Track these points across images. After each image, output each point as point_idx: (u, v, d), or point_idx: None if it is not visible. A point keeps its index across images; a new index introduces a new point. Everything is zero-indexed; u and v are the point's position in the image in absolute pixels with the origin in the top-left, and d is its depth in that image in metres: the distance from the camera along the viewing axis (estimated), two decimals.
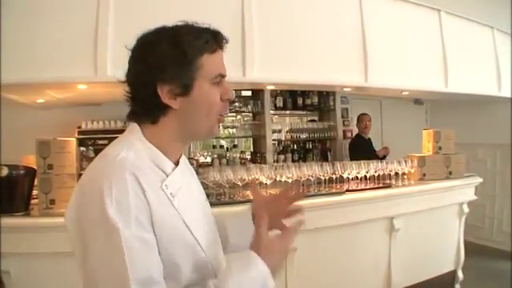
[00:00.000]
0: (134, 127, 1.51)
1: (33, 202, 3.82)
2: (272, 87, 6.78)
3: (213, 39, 1.49)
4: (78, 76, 4.03)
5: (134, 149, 1.43)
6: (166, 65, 1.43)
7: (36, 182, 3.74)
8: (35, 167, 3.72)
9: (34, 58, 3.96)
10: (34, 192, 3.82)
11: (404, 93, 6.69)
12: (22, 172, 3.74)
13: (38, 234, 3.44)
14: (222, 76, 1.52)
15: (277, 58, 4.78)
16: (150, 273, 1.30)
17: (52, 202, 3.66)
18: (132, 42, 1.51)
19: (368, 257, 4.87)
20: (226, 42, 1.56)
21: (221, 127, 7.89)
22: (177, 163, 1.56)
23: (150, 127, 1.50)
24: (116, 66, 3.85)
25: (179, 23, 1.51)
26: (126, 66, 1.51)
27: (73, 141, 3.93)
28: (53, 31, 4.03)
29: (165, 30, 1.50)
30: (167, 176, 1.47)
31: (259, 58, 4.64)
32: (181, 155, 1.60)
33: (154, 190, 1.39)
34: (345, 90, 6.45)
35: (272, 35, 4.77)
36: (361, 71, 5.33)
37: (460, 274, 5.75)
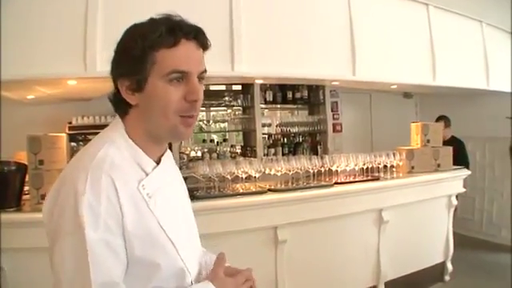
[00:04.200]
0: (117, 122, 1.52)
1: (24, 197, 3.81)
2: (261, 81, 6.81)
3: (169, 33, 1.40)
4: (67, 72, 4.04)
5: (116, 145, 1.44)
6: (123, 60, 1.44)
7: (27, 178, 3.74)
8: (26, 163, 3.72)
9: (23, 55, 3.96)
10: (26, 188, 3.82)
11: (392, 86, 6.74)
12: (13, 168, 3.73)
13: (30, 229, 3.34)
14: (181, 72, 1.42)
15: (265, 52, 4.80)
16: (111, 276, 1.32)
17: (43, 197, 3.55)
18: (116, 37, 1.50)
19: (357, 249, 4.91)
20: (195, 34, 1.47)
21: (211, 121, 7.93)
22: (158, 162, 1.55)
23: (125, 121, 1.51)
24: (105, 61, 3.72)
25: (154, 16, 1.47)
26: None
27: (63, 136, 3.93)
28: (42, 27, 4.04)
29: (131, 25, 1.48)
30: (147, 175, 1.48)
31: (248, 51, 4.66)
32: (163, 154, 1.60)
33: (131, 191, 1.40)
34: (333, 83, 6.48)
35: (260, 29, 4.79)
36: (349, 65, 5.36)
37: (449, 266, 5.80)
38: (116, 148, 1.43)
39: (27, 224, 3.43)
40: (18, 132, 4.36)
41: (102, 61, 3.96)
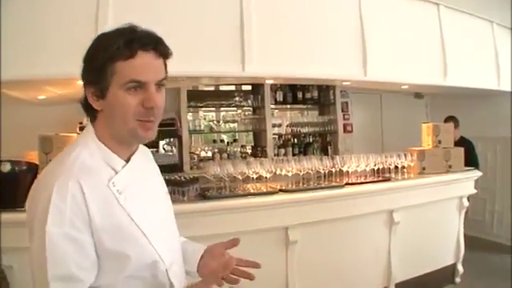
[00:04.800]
0: (89, 127, 1.65)
1: None
2: (271, 81, 6.79)
3: (126, 45, 1.50)
4: (76, 72, 3.99)
5: (88, 148, 1.57)
6: (88, 69, 1.55)
7: None
8: (37, 163, 3.72)
9: (33, 55, 3.98)
10: None
11: (403, 86, 6.70)
12: (24, 167, 3.71)
13: None
14: (137, 82, 1.52)
15: (276, 52, 4.78)
16: (70, 270, 1.42)
17: None
18: None
19: (368, 250, 4.89)
20: (154, 45, 1.56)
21: (221, 121, 7.94)
22: (128, 160, 1.66)
23: (95, 126, 1.63)
24: None
25: (118, 27, 1.57)
26: None
27: (74, 136, 3.91)
28: (52, 27, 4.06)
29: (97, 35, 1.58)
30: (116, 173, 1.59)
31: (258, 52, 4.64)
32: (133, 153, 1.70)
33: (101, 189, 1.51)
34: (344, 84, 6.44)
35: (271, 29, 4.78)
36: (360, 65, 5.33)
37: (460, 268, 5.76)
38: (88, 150, 1.56)
39: None
40: (29, 132, 4.37)
41: None
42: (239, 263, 1.85)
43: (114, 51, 1.49)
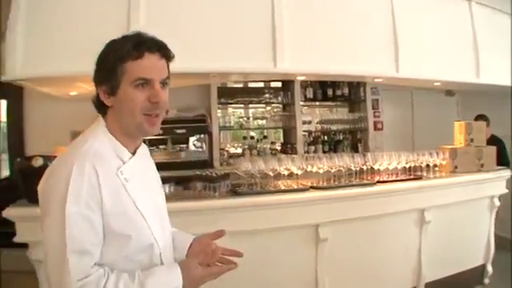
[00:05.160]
0: (100, 121, 1.84)
1: None
2: (302, 78, 6.75)
3: (134, 48, 1.73)
4: None
5: (99, 139, 1.77)
6: (100, 70, 1.79)
7: None
8: None
9: (62, 53, 4.12)
10: None
11: (435, 83, 6.58)
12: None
13: None
14: (144, 79, 1.75)
15: (308, 49, 4.80)
16: (85, 245, 1.62)
17: None
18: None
19: (398, 249, 4.85)
20: (157, 48, 1.80)
21: (251, 118, 7.95)
22: (134, 153, 1.88)
23: (106, 119, 1.84)
24: None
25: (125, 34, 1.81)
26: None
27: None
28: (84, 25, 4.18)
29: (108, 41, 1.82)
30: (124, 164, 1.80)
31: (290, 49, 4.68)
32: (137, 147, 1.92)
33: (111, 176, 1.73)
34: (376, 80, 6.41)
35: (302, 26, 4.81)
36: (392, 61, 5.32)
37: (489, 268, 5.68)
38: (99, 141, 1.76)
39: None
40: (61, 128, 4.44)
41: None
42: (224, 252, 2.00)
43: (124, 53, 1.73)
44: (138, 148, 1.91)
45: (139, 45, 1.75)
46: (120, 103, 1.76)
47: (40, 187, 1.71)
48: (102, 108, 1.83)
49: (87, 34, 4.09)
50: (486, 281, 5.68)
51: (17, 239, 3.58)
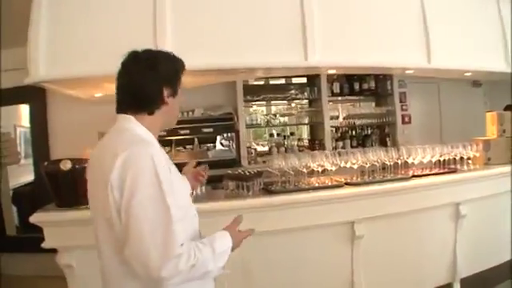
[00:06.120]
0: (130, 118, 2.09)
1: None
2: (333, 71, 6.61)
3: (184, 66, 2.22)
4: None
5: (145, 132, 2.08)
6: (171, 75, 2.15)
7: None
8: None
9: (88, 53, 4.15)
10: None
11: (466, 74, 6.48)
12: (85, 165, 3.65)
13: None
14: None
15: (338, 42, 4.77)
16: (176, 215, 1.88)
17: None
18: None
19: (433, 244, 4.75)
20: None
21: (277, 115, 7.91)
22: None
23: (146, 117, 2.11)
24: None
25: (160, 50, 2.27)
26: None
27: None
28: (108, 25, 4.20)
29: (162, 51, 2.22)
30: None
31: (320, 41, 4.63)
32: None
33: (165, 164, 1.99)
34: (407, 72, 6.28)
35: (332, 18, 4.76)
36: (423, 52, 5.23)
37: None
38: (146, 133, 2.08)
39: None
40: (88, 130, 4.41)
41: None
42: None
43: (181, 66, 2.21)
44: None
45: (183, 63, 2.23)
46: (175, 103, 2.18)
47: (116, 176, 1.85)
48: (151, 107, 2.11)
49: (112, 35, 4.14)
50: None
51: (45, 245, 3.57)
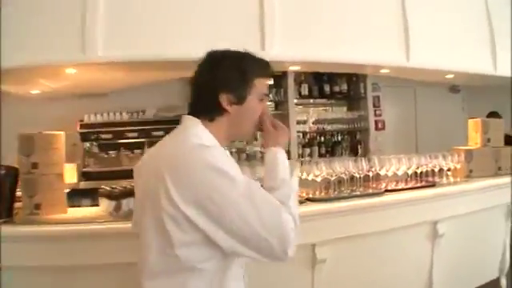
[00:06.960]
0: (196, 121, 1.95)
1: (18, 205, 3.42)
2: (297, 68, 6.26)
3: (265, 68, 2.04)
4: (63, 58, 3.80)
5: (205, 138, 1.91)
6: (230, 79, 1.94)
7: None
8: (17, 166, 3.36)
9: (19, 43, 3.80)
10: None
11: (448, 76, 6.21)
12: (2, 172, 3.34)
13: (22, 244, 3.06)
14: (266, 95, 2.09)
15: (302, 32, 4.49)
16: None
17: (37, 206, 3.29)
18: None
19: (408, 267, 4.34)
20: (274, 73, 2.16)
21: None
22: None
23: (207, 124, 1.96)
24: (109, 45, 3.66)
25: (241, 50, 2.02)
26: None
27: (61, 135, 3.53)
28: (34, 9, 3.89)
29: (231, 52, 2.01)
30: None
31: (281, 31, 4.35)
32: None
33: None
34: (382, 71, 5.97)
35: (297, 7, 4.48)
36: (402, 49, 4.94)
37: (503, 282, 5.23)
38: (207, 140, 1.91)
39: (20, 238, 3.06)
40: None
41: (105, 44, 3.69)
42: None
43: (258, 70, 2.00)
44: None
45: (268, 66, 2.04)
46: (243, 112, 1.97)
47: (179, 193, 1.71)
48: (213, 114, 1.95)
49: (41, 20, 3.84)
50: None
51: None
